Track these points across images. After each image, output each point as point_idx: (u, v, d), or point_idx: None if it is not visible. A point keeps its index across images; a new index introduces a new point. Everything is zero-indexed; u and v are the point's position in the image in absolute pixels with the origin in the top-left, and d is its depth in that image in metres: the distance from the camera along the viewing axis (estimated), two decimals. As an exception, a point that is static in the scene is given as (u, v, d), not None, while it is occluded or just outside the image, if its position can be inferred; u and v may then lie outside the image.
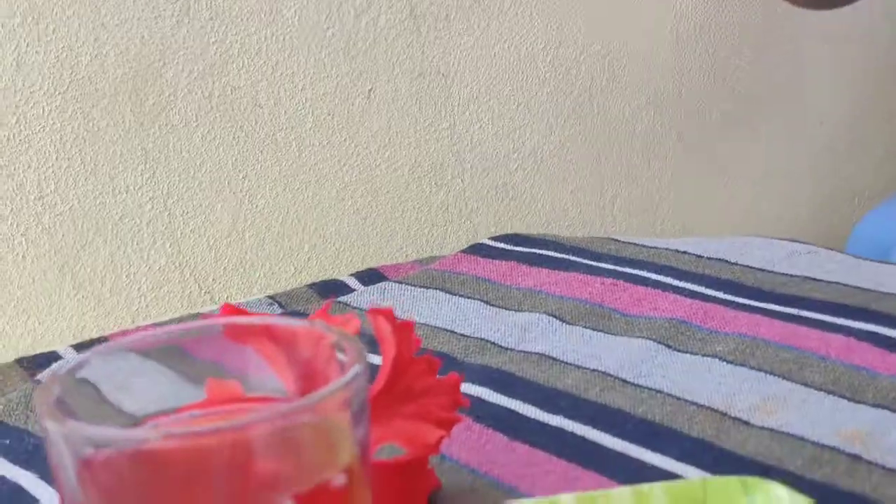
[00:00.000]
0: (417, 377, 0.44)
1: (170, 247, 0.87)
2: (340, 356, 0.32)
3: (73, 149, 0.82)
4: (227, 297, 0.89)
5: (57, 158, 0.82)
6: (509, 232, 0.86)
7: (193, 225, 0.88)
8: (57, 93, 0.80)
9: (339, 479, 0.29)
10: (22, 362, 0.64)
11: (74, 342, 0.67)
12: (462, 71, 0.98)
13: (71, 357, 0.65)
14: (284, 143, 0.91)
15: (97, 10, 0.81)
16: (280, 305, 0.73)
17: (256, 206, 0.90)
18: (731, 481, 0.40)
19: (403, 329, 0.44)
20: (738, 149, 1.24)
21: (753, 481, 0.40)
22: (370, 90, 0.94)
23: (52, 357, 0.65)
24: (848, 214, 1.33)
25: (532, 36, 1.02)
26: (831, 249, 0.74)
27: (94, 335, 0.70)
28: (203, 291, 0.88)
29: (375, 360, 0.47)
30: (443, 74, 0.97)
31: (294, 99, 0.91)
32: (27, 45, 0.79)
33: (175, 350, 0.36)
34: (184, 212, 0.87)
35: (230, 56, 0.87)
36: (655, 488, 0.40)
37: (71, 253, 0.83)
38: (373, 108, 0.95)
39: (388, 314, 0.44)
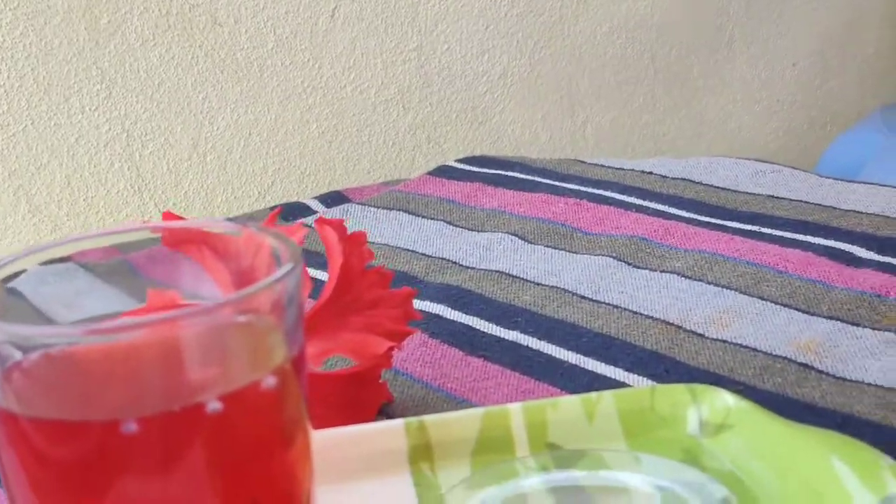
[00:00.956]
0: (367, 289, 0.44)
1: (128, 170, 0.85)
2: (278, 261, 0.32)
3: (25, 67, 0.80)
4: (189, 221, 0.88)
5: (8, 77, 0.80)
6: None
7: (153, 147, 0.86)
8: (7, 9, 0.78)
9: (268, 381, 0.29)
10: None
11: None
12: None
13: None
14: (245, 63, 0.89)
15: (48, -76, 0.78)
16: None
17: (217, 128, 0.89)
18: (678, 388, 0.40)
19: (354, 240, 0.44)
20: (711, 73, 1.22)
21: (701, 388, 0.40)
22: (334, 9, 0.91)
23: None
24: (819, 139, 1.33)
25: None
26: (795, 168, 0.74)
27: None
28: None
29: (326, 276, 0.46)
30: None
31: (255, 18, 0.88)
32: (-25, -41, 0.76)
33: (116, 265, 0.35)
34: (142, 133, 0.85)
35: (187, -28, 0.84)
36: (604, 396, 0.40)
37: (25, 175, 0.81)
38: (337, 27, 0.92)
39: (338, 225, 0.44)
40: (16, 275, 0.32)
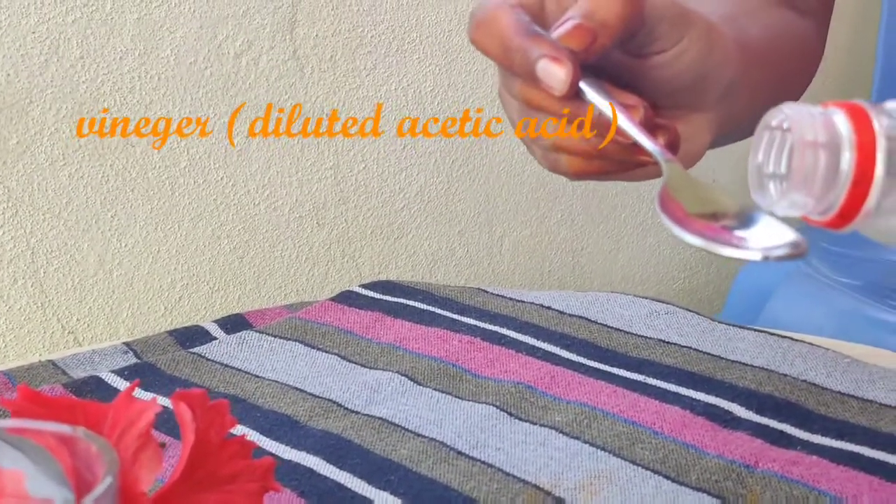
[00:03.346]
0: (226, 461, 0.44)
1: (32, 286, 0.85)
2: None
3: (-72, 186, 0.80)
4: (91, 338, 0.88)
5: (-90, 196, 0.79)
6: (388, 276, 0.85)
7: (58, 264, 0.86)
8: (-87, 129, 0.78)
9: None
10: None
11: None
12: (347, 112, 0.98)
13: None
14: (157, 182, 0.90)
15: (-40, 44, 0.79)
16: (135, 354, 0.72)
17: (125, 245, 0.89)
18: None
19: (215, 410, 0.44)
20: (629, 188, 1.25)
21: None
22: (249, 129, 0.93)
23: None
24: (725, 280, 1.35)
25: (420, 78, 1.03)
26: (690, 311, 0.75)
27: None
28: (66, 332, 0.86)
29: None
30: (326, 115, 0.97)
31: (168, 138, 0.89)
32: None
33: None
34: (48, 251, 0.85)
35: (101, 94, 0.85)
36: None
37: (-75, 293, 0.81)
38: (252, 148, 0.94)
39: (198, 397, 0.44)
40: None
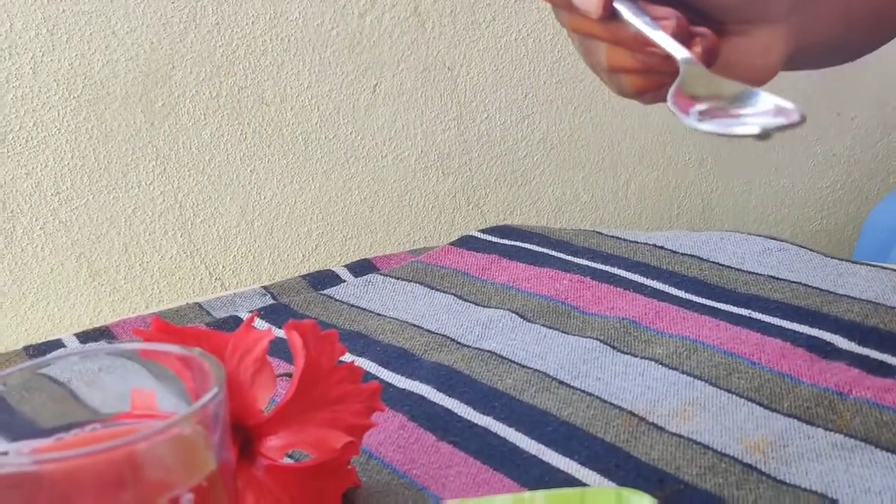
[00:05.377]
0: (335, 385, 0.48)
1: (181, 237, 0.92)
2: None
3: (87, 148, 0.88)
4: (236, 283, 0.95)
5: (72, 157, 0.88)
6: (512, 222, 0.88)
7: (203, 216, 0.93)
8: (71, 97, 0.86)
9: (186, 498, 0.33)
10: (28, 349, 0.70)
11: (83, 329, 0.73)
12: (468, 64, 1.01)
13: (74, 346, 0.71)
14: (291, 138, 0.96)
15: (108, 20, 0.86)
16: (272, 296, 0.77)
17: (264, 198, 0.95)
18: (607, 492, 0.44)
19: (326, 339, 0.48)
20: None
21: (628, 493, 0.43)
22: (375, 85, 0.97)
23: (56, 344, 0.70)
24: (879, 191, 1.31)
25: (539, 27, 1.04)
26: (804, 247, 0.75)
27: (111, 320, 0.75)
28: (213, 278, 0.93)
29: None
30: (448, 68, 1.00)
31: (300, 96, 0.95)
32: (42, 53, 0.85)
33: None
34: (194, 204, 0.92)
35: (236, 58, 0.92)
36: (536, 497, 0.43)
37: (87, 244, 0.89)
38: (378, 102, 0.98)
39: (309, 327, 0.48)
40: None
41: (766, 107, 0.41)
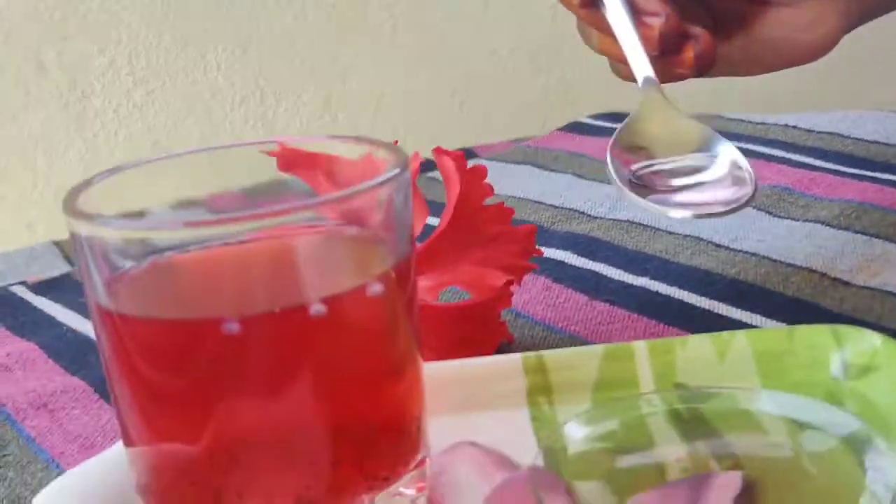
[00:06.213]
0: (487, 223, 0.42)
1: (262, 126, 0.87)
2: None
3: (163, 25, 0.82)
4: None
5: (147, 34, 0.82)
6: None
7: (286, 105, 0.87)
8: (146, -32, 0.80)
9: (374, 288, 0.27)
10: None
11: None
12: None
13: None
14: (377, 24, 0.89)
15: None
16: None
17: (349, 88, 0.89)
18: (820, 329, 0.37)
19: (474, 174, 0.42)
20: None
21: (846, 330, 0.37)
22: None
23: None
24: None
25: None
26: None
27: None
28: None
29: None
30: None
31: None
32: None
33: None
34: (275, 91, 0.86)
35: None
36: (737, 335, 0.37)
37: (163, 131, 0.84)
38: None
39: (457, 157, 0.42)
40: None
41: (718, 172, 0.34)
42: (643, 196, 0.34)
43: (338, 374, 0.27)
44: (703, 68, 0.41)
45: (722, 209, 0.32)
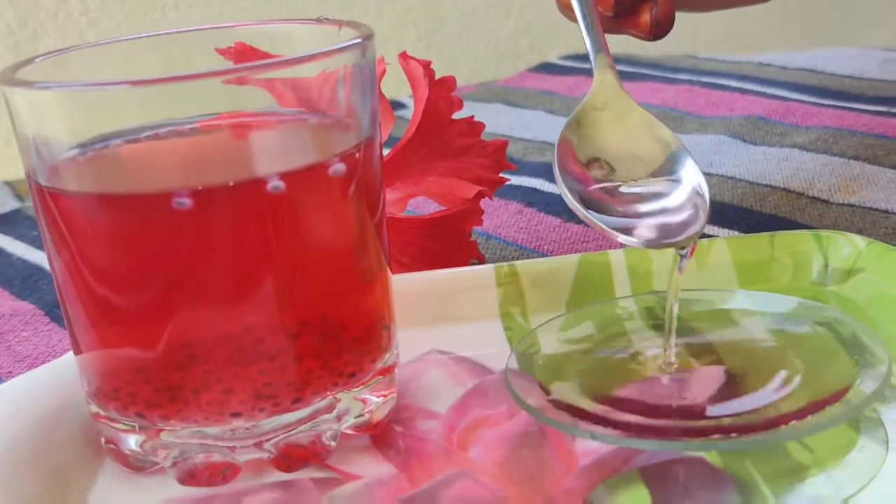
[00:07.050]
0: (457, 136, 0.40)
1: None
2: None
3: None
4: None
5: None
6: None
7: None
8: None
9: (336, 167, 0.26)
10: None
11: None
12: None
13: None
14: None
15: None
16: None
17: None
18: (802, 234, 0.36)
19: (442, 84, 0.40)
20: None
21: (827, 233, 0.36)
22: None
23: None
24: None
25: None
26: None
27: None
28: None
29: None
30: None
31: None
32: None
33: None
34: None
35: None
36: (717, 242, 0.36)
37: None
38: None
39: (425, 64, 0.40)
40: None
41: (681, 196, 0.31)
42: (598, 211, 0.30)
43: (300, 260, 0.26)
44: (660, 34, 0.38)
45: (678, 239, 0.29)
